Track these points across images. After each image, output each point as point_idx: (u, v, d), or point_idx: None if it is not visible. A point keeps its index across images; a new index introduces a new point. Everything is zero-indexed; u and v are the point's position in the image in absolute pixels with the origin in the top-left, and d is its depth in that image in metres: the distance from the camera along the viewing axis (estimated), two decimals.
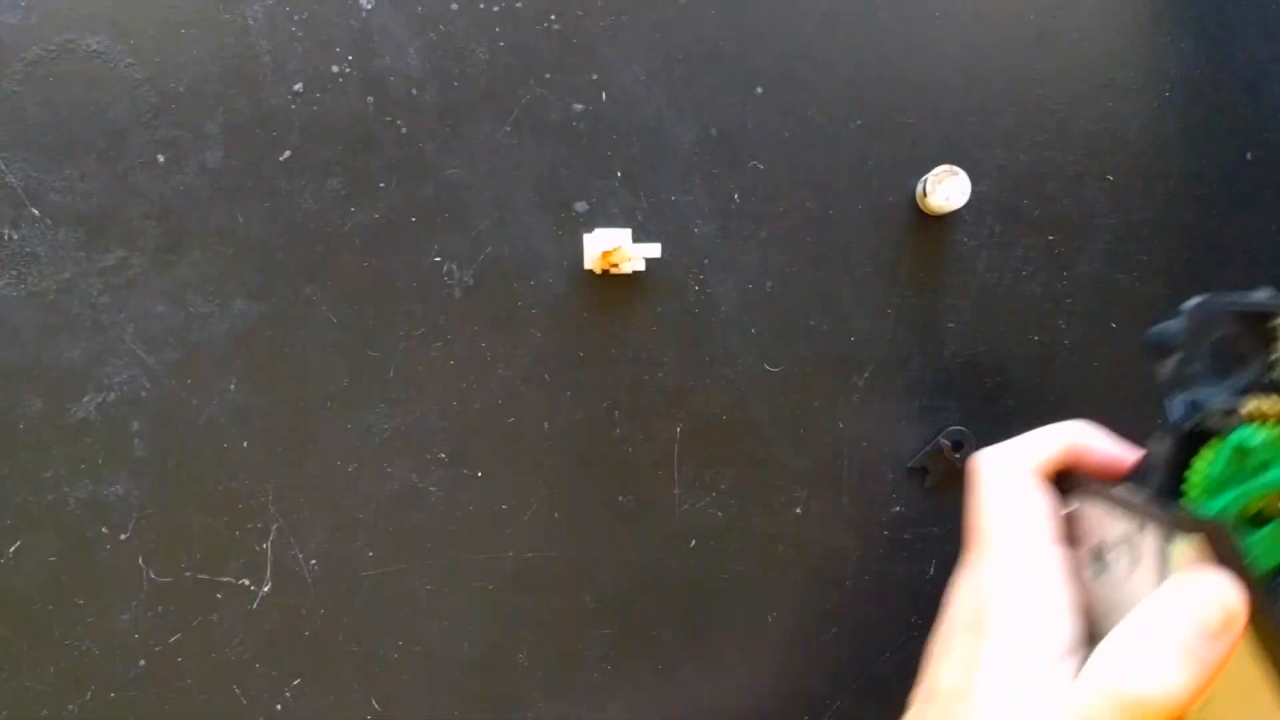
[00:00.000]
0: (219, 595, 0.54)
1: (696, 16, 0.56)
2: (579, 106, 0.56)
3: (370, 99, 0.54)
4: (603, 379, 0.56)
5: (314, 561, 0.54)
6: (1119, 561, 0.42)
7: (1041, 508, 0.44)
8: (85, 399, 0.52)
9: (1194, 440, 0.41)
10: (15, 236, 0.52)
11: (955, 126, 0.58)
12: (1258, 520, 0.40)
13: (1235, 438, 0.40)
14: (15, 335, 0.52)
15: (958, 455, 0.57)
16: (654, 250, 0.55)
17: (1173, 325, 0.45)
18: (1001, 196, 0.58)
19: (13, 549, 0.52)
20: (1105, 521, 0.43)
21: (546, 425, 0.56)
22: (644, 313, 0.56)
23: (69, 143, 0.52)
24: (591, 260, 0.55)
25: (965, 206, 0.56)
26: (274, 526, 0.54)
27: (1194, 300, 0.42)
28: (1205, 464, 0.41)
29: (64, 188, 0.52)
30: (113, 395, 0.53)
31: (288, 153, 0.54)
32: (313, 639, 0.54)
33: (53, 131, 0.52)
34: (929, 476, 0.57)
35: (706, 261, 0.56)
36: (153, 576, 0.53)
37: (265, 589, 0.54)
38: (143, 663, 0.53)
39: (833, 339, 0.57)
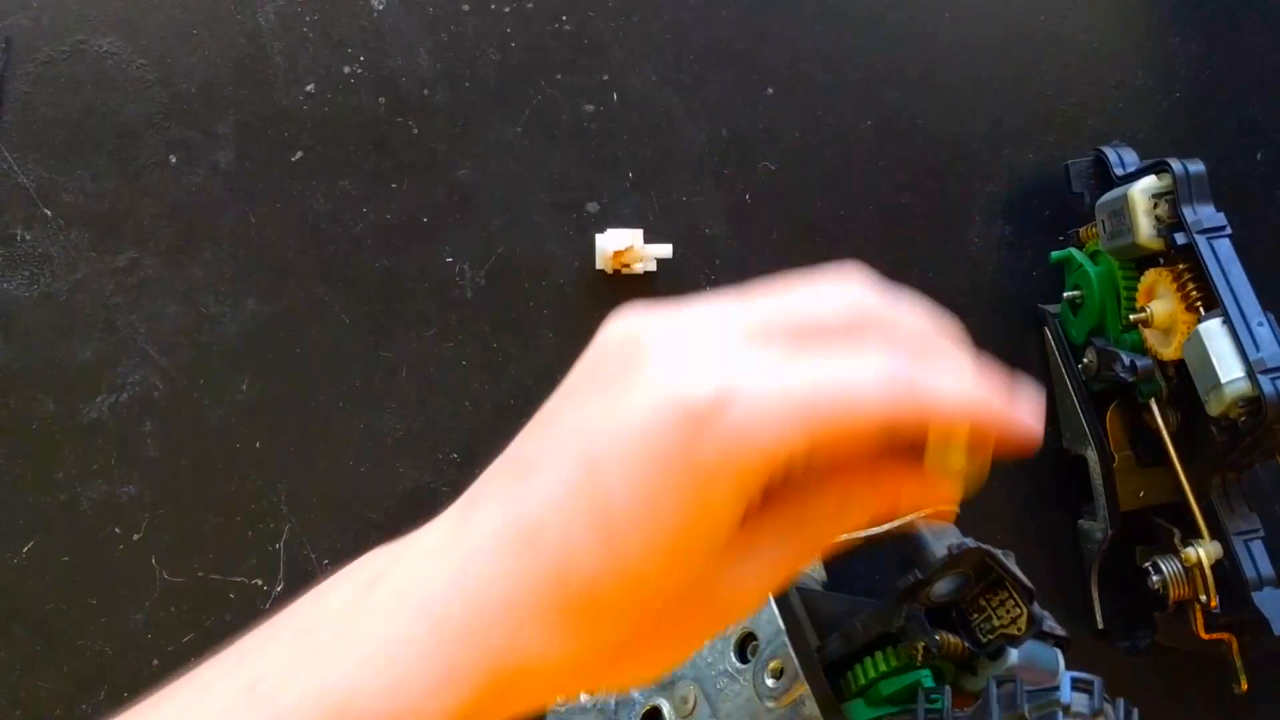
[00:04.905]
0: (232, 595, 0.54)
1: (707, 17, 0.56)
2: (590, 107, 0.56)
3: (382, 100, 0.54)
4: None
5: (326, 561, 0.54)
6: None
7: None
8: (98, 399, 0.52)
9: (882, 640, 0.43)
10: (28, 237, 0.52)
11: (965, 127, 0.58)
12: None
13: (916, 674, 0.41)
14: (28, 336, 0.52)
15: None
16: (665, 250, 0.55)
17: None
18: (1012, 197, 0.58)
19: (26, 549, 0.52)
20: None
21: None
22: None
23: (81, 144, 0.52)
24: (603, 260, 0.55)
25: (976, 208, 0.56)
26: (286, 526, 0.54)
27: (961, 542, 0.43)
28: (876, 668, 0.42)
29: (76, 188, 0.52)
30: (125, 396, 0.53)
31: (299, 153, 0.54)
32: None
33: (64, 132, 0.52)
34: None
35: (718, 262, 0.56)
36: (165, 576, 0.53)
37: (278, 589, 0.54)
38: (156, 663, 0.53)
39: None
